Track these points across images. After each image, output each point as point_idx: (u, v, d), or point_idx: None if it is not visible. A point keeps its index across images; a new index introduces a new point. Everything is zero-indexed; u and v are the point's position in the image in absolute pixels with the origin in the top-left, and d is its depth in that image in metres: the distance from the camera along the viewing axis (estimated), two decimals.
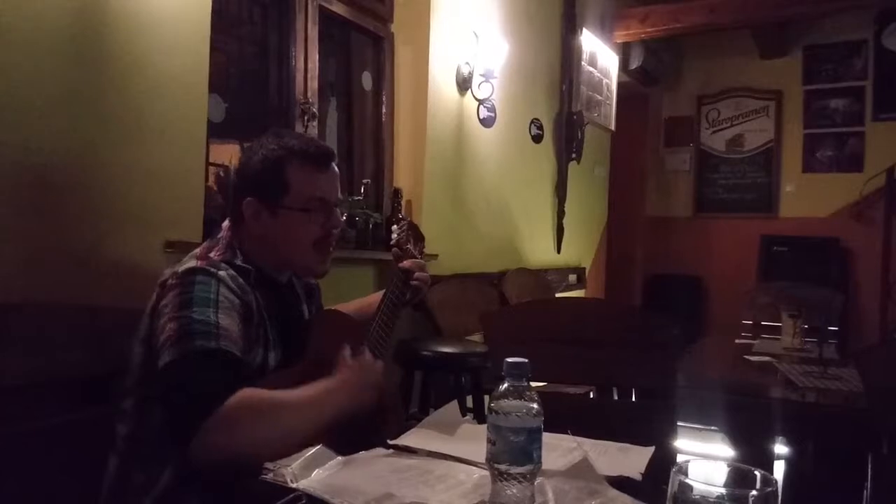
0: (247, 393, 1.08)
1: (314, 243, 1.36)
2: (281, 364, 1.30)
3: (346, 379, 1.23)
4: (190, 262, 1.26)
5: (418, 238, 1.64)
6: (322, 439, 1.05)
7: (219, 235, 1.36)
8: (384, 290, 1.53)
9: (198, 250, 1.32)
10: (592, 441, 1.15)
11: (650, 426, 1.45)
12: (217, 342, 1.13)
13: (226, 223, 1.38)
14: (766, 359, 2.55)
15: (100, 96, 1.78)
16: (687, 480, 0.61)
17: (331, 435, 1.09)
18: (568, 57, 4.51)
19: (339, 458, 1.03)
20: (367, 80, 3.21)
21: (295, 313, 1.44)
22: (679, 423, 1.54)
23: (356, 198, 2.94)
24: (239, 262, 1.30)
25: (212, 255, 1.30)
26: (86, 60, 1.74)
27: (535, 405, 0.85)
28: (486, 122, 3.68)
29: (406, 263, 1.54)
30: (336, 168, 1.40)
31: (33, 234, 1.64)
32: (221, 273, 1.24)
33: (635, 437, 1.17)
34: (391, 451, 1.10)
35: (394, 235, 1.59)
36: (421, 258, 1.60)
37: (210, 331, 1.14)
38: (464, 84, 3.47)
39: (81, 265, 1.73)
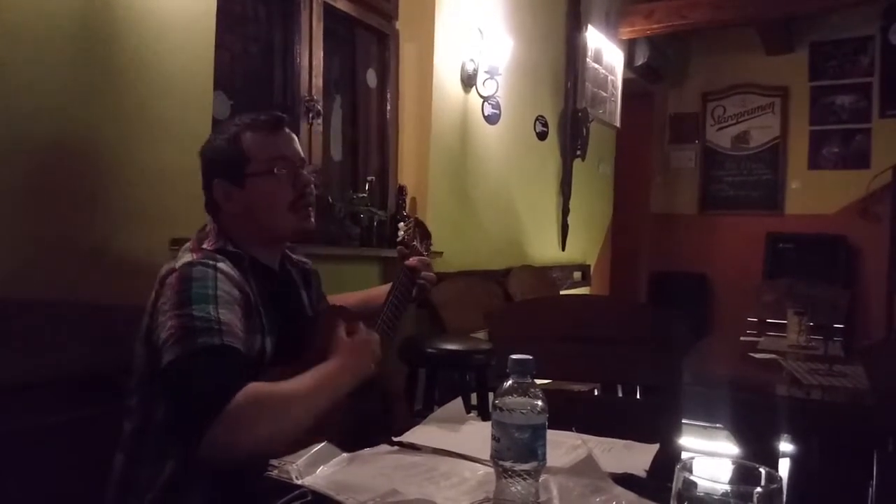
0: (252, 388, 1.08)
1: (290, 206, 1.35)
2: (277, 351, 1.30)
3: (345, 360, 1.23)
4: (185, 257, 1.25)
5: (425, 235, 1.64)
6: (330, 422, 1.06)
7: (207, 229, 1.36)
8: (390, 286, 1.53)
9: (189, 244, 1.32)
10: (597, 438, 1.15)
11: (655, 423, 1.45)
12: (220, 338, 1.13)
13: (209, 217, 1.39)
14: (772, 356, 2.54)
15: (105, 94, 1.78)
16: (691, 477, 0.61)
17: (336, 426, 1.09)
18: (573, 53, 4.50)
19: (344, 454, 1.03)
20: (371, 78, 3.21)
21: (293, 301, 1.44)
22: (684, 421, 1.54)
23: (361, 195, 2.94)
24: (230, 248, 1.30)
25: (205, 246, 1.29)
26: (92, 58, 1.74)
27: (539, 402, 0.85)
28: (491, 119, 3.67)
29: (412, 261, 1.54)
30: (290, 132, 1.40)
31: (39, 231, 1.65)
32: (221, 265, 1.23)
33: (640, 435, 1.16)
34: (396, 447, 1.10)
35: (400, 233, 1.59)
36: (427, 256, 1.60)
37: (212, 327, 1.13)
38: (468, 81, 3.46)
39: (87, 262, 1.73)
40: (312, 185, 1.40)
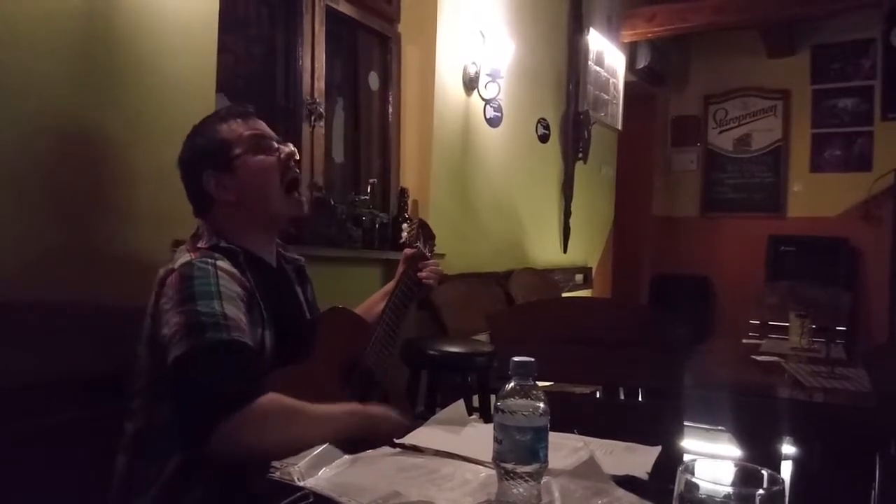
0: (276, 397, 1.11)
1: (282, 182, 1.38)
2: (277, 346, 1.30)
3: (368, 416, 1.22)
4: (183, 257, 1.26)
5: (429, 236, 1.64)
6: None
7: (199, 231, 1.37)
8: (393, 286, 1.53)
9: (185, 245, 1.33)
10: (599, 440, 1.15)
11: (657, 426, 1.45)
12: (228, 333, 1.14)
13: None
14: (774, 359, 2.54)
15: (108, 96, 1.79)
16: (693, 479, 0.61)
17: None
18: (574, 56, 4.51)
19: (346, 456, 1.03)
20: (373, 80, 3.22)
21: (290, 296, 1.46)
22: (686, 423, 1.54)
23: (362, 197, 2.94)
24: (223, 244, 1.31)
25: (200, 245, 1.31)
26: (94, 61, 1.75)
27: (541, 404, 0.85)
28: (493, 122, 3.67)
29: (409, 251, 1.56)
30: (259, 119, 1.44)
31: (42, 232, 1.65)
32: (220, 262, 1.24)
33: (642, 437, 1.16)
34: (398, 449, 1.10)
35: (404, 233, 1.60)
36: (431, 256, 1.60)
37: (218, 322, 1.14)
38: (470, 84, 3.47)
39: (90, 263, 1.74)
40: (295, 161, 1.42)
